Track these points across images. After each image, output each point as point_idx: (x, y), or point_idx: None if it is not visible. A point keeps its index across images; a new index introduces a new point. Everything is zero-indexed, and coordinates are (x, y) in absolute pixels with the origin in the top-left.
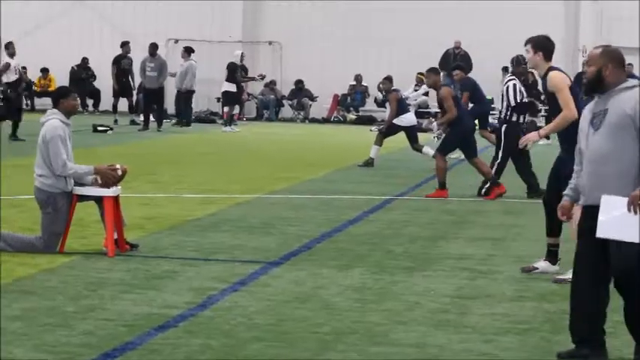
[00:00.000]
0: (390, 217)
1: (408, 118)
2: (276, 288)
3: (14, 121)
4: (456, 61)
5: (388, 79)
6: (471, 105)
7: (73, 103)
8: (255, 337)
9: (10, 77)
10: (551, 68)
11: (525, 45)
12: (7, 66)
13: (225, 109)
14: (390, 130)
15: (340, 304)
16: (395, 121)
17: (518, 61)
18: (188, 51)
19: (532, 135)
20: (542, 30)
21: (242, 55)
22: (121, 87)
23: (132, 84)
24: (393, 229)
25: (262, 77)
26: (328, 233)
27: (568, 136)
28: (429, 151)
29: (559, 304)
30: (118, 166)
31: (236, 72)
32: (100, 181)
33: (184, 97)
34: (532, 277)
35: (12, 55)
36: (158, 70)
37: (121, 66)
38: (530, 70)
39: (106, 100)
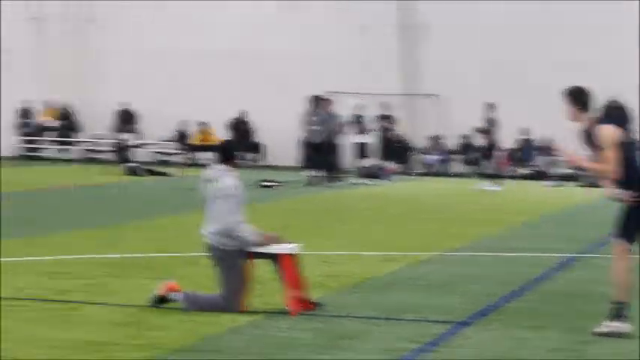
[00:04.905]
0: (575, 275)
1: None
2: (468, 349)
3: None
4: None
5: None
6: None
7: (239, 162)
8: None
9: None
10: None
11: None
12: None
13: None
14: None
15: None
16: None
17: None
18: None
19: (576, 158)
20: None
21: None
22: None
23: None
24: (580, 287)
25: None
26: (517, 292)
27: None
28: None
29: None
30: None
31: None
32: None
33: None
34: None
35: None
36: (321, 123)
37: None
38: None
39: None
